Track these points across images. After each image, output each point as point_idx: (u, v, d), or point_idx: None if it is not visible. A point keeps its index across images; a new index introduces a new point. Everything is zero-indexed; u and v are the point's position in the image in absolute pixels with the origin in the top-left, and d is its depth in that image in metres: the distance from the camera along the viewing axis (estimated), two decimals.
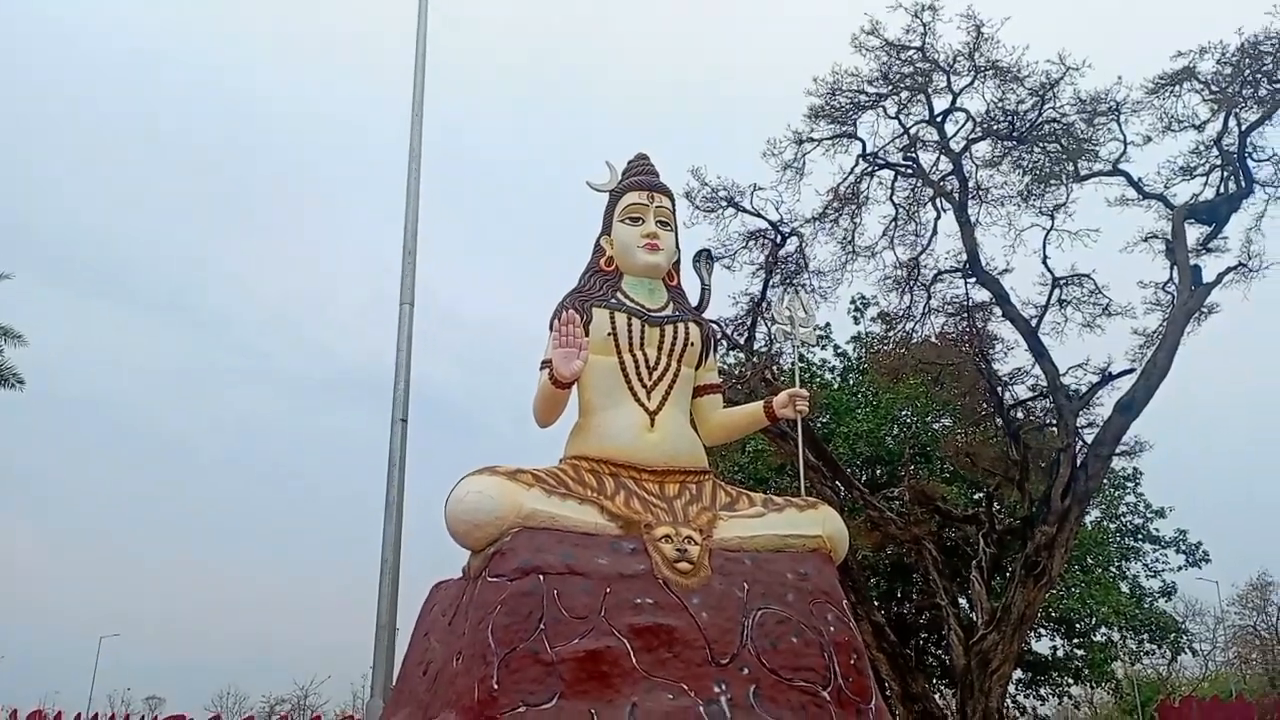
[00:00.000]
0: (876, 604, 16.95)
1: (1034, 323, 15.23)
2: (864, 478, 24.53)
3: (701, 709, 9.25)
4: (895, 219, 16.81)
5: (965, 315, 16.38)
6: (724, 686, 9.52)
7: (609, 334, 11.58)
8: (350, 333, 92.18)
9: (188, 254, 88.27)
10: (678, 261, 12.56)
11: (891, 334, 17.80)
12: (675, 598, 9.96)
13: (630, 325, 11.68)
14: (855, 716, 10.02)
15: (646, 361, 11.60)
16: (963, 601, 19.59)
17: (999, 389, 15.99)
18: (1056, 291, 16.01)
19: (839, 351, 28.28)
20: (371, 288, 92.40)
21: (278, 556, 79.85)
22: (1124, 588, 28.93)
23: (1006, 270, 16.14)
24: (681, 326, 11.99)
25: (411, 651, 11.64)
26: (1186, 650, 32.64)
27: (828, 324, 27.41)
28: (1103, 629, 28.46)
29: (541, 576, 9.64)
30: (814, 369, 27.38)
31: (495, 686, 9.07)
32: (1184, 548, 29.71)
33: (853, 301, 26.20)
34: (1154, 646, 30.71)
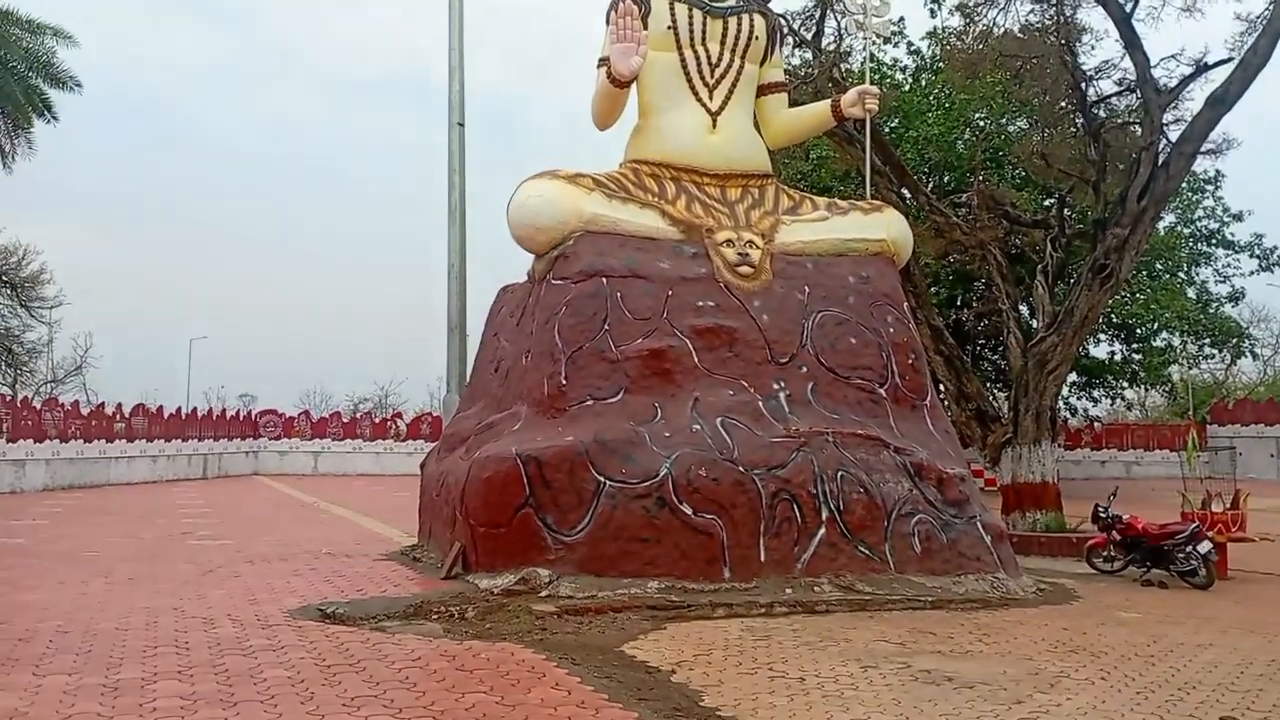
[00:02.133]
0: (936, 310, 17.04)
1: (1128, 7, 13.99)
2: (931, 184, 23.92)
3: (760, 404, 9.75)
4: None
5: (1054, 1, 15.09)
6: (782, 384, 9.97)
7: (669, 27, 11.04)
8: (386, 29, 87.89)
9: None
10: None
11: (971, 25, 16.56)
12: (736, 300, 10.20)
13: (691, 17, 11.10)
14: (910, 412, 10.48)
15: (708, 57, 11.12)
16: (1024, 309, 19.62)
17: (1083, 84, 14.98)
18: None
19: (912, 50, 26.64)
20: None
21: (348, 264, 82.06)
22: (1190, 294, 28.61)
23: None
24: (745, 18, 11.35)
25: (482, 351, 12.29)
26: (1247, 354, 32.68)
27: (901, 19, 25.61)
28: (1164, 334, 28.50)
29: (605, 279, 9.92)
30: (884, 69, 25.96)
31: (564, 381, 9.62)
32: (1258, 252, 28.89)
33: None
34: (1214, 351, 30.79)
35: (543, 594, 8.03)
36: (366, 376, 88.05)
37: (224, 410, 37.48)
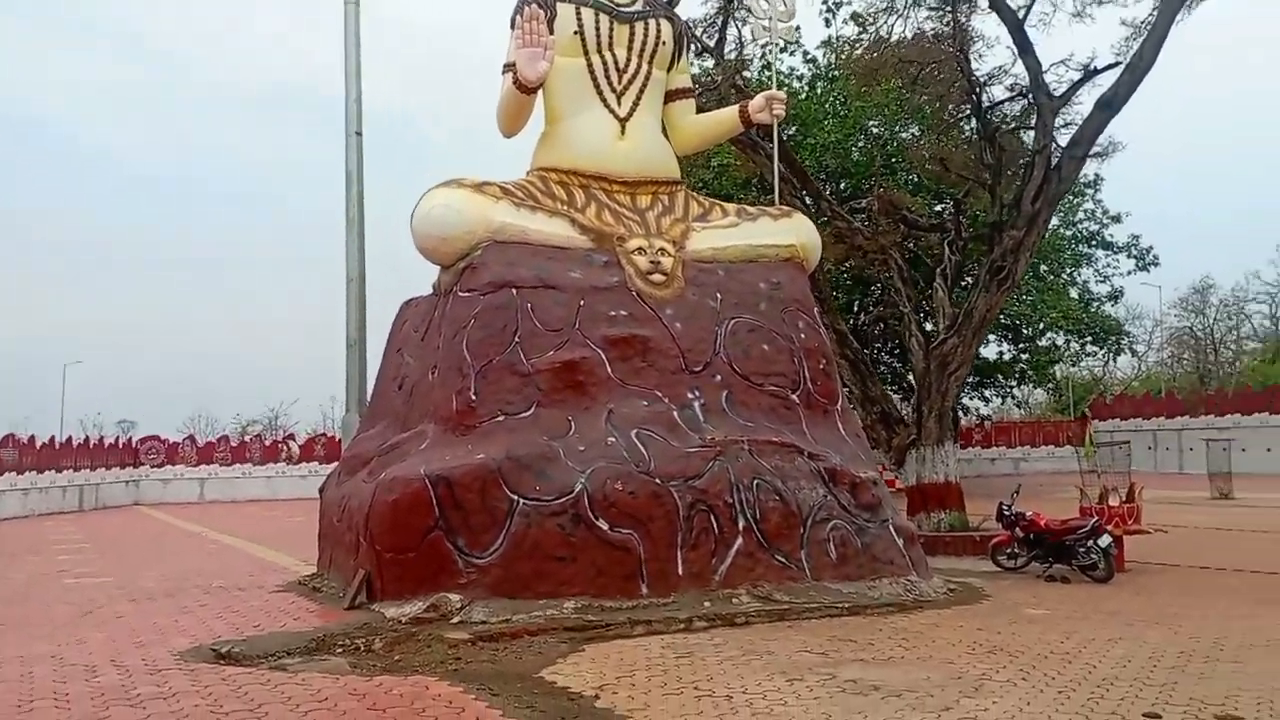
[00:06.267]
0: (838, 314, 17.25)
1: (1021, 14, 14.38)
2: (829, 190, 24.28)
3: (675, 414, 9.57)
4: None
5: (949, 7, 15.40)
6: (697, 392, 9.81)
7: (575, 32, 10.80)
8: (279, 43, 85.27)
9: None
10: None
11: (867, 34, 16.81)
12: (649, 309, 10.01)
13: (598, 22, 10.87)
14: (822, 417, 10.46)
15: (616, 63, 10.91)
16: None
17: (977, 90, 15.37)
18: None
19: (808, 58, 27.04)
20: None
21: (238, 280, 79.36)
22: (1074, 294, 29.80)
23: None
24: (653, 23, 11.18)
25: (384, 368, 11.80)
26: (1126, 351, 34.23)
27: (797, 27, 25.94)
28: (1049, 334, 29.62)
29: (514, 290, 9.59)
30: (782, 77, 26.26)
31: (474, 397, 9.25)
32: (1135, 252, 30.31)
33: (824, 1, 24.64)
34: (1096, 349, 32.13)
35: (454, 620, 7.67)
36: (256, 398, 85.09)
37: (101, 438, 35.40)
